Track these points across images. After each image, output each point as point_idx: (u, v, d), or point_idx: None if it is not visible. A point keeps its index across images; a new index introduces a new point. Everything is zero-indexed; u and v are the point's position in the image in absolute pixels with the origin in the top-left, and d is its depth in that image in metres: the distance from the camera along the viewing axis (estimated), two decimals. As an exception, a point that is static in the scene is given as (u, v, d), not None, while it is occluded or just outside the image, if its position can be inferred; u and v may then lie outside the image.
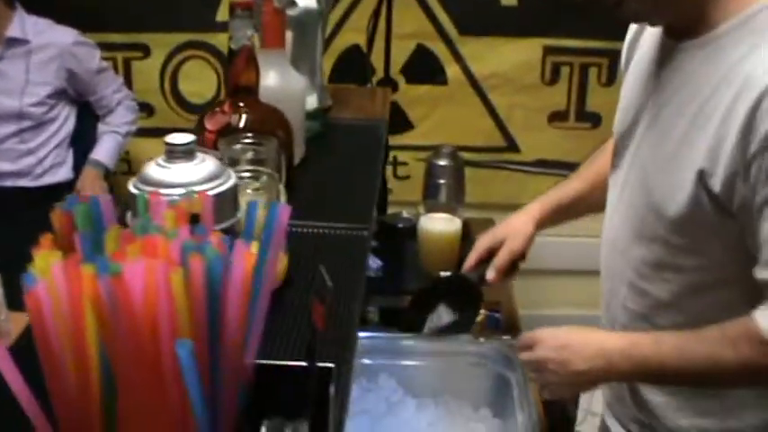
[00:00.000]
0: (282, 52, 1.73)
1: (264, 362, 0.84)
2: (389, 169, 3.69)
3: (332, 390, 0.80)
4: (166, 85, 3.63)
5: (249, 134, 1.42)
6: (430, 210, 2.26)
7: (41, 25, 3.16)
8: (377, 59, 3.34)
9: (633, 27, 1.61)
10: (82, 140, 3.34)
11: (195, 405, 0.70)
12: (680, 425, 1.53)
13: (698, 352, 1.34)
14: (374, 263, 2.26)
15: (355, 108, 2.23)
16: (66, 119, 3.27)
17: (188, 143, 0.94)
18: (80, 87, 3.24)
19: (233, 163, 1.34)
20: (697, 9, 1.33)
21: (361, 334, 2.03)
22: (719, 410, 1.50)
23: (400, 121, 3.65)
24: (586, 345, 1.45)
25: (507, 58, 3.55)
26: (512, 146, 3.71)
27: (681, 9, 1.35)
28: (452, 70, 3.59)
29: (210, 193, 0.92)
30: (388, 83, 3.46)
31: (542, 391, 1.58)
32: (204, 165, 0.96)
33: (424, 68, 3.60)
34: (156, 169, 0.94)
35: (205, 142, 1.51)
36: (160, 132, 1.18)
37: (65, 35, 3.18)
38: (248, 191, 1.25)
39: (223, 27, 3.26)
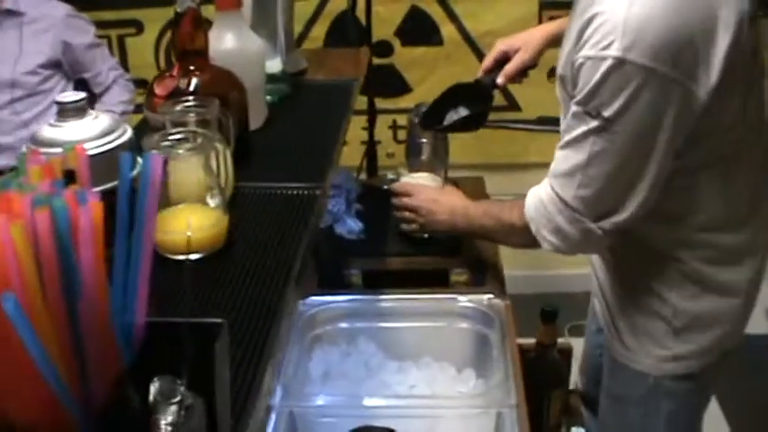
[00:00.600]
0: (238, 14, 1.70)
1: (153, 319, 0.81)
2: (390, 133, 3.66)
3: (218, 347, 0.77)
4: (161, 60, 3.61)
5: (190, 97, 1.40)
6: (412, 169, 2.22)
7: None
8: (374, 23, 3.29)
9: None
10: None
11: (39, 362, 0.68)
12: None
13: (495, 214, 1.83)
14: (356, 225, 2.23)
15: (331, 70, 2.19)
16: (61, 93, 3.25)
17: (76, 101, 0.92)
18: (75, 62, 3.21)
19: (179, 126, 1.32)
20: None
21: (339, 297, 2.02)
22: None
23: (398, 85, 3.62)
24: (446, 203, 2.01)
25: (503, 15, 3.49)
26: (513, 104, 3.66)
27: None
28: (447, 30, 3.54)
29: (95, 150, 0.89)
30: (377, 46, 3.42)
31: (406, 225, 2.15)
32: (97, 122, 0.94)
33: (418, 30, 3.56)
34: (48, 129, 0.92)
35: (154, 107, 1.49)
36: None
37: (58, 8, 3.16)
38: (180, 151, 1.22)
39: None
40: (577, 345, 2.20)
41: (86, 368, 0.73)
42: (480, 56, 3.54)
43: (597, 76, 1.43)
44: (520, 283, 2.87)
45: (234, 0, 1.68)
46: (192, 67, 1.52)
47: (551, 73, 3.52)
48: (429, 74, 3.58)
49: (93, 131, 0.92)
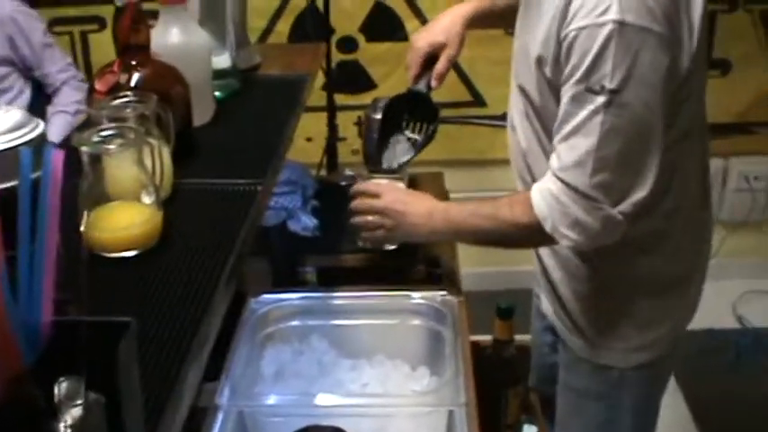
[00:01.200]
0: (183, 9, 1.67)
1: (58, 319, 0.79)
2: (355, 129, 3.63)
3: (122, 346, 0.75)
4: (125, 56, 3.57)
5: (128, 92, 1.38)
6: (372, 171, 2.14)
7: None
8: (338, 19, 3.28)
9: None
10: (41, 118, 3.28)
11: None
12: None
13: (488, 212, 1.64)
14: (310, 221, 2.21)
15: (286, 65, 2.17)
16: (19, 92, 3.21)
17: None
18: (24, 59, 3.17)
19: (117, 122, 1.30)
20: None
21: (292, 295, 2.00)
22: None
23: (363, 81, 3.60)
24: (420, 204, 1.75)
25: (467, 11, 3.47)
26: (478, 100, 3.65)
27: None
28: (412, 26, 3.52)
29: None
30: (341, 42, 3.40)
31: (368, 234, 1.84)
32: (6, 117, 0.91)
33: (383, 26, 3.54)
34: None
35: (94, 103, 1.47)
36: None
37: (3, 5, 3.11)
38: (110, 147, 1.20)
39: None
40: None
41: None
42: (445, 52, 3.52)
43: (597, 44, 1.38)
44: (479, 280, 2.86)
45: (179, -6, 1.66)
46: (133, 62, 1.50)
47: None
48: (394, 70, 3.56)
49: None
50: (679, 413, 3.14)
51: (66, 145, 1.19)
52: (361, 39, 3.55)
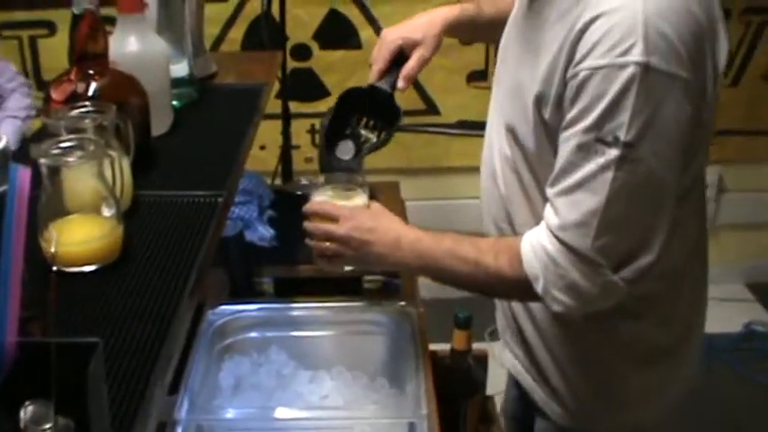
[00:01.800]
0: (141, 17, 1.65)
1: (24, 340, 0.77)
2: (308, 137, 3.62)
3: (91, 368, 0.73)
4: (75, 63, 3.52)
5: (87, 102, 1.35)
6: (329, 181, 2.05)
7: None
8: (291, 26, 3.26)
9: None
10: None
11: None
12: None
13: (467, 255, 1.44)
14: (267, 232, 2.20)
15: (242, 73, 2.15)
16: None
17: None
18: None
19: (75, 132, 1.27)
20: None
21: (249, 306, 1.98)
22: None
23: (316, 88, 3.58)
24: (388, 232, 1.54)
25: (422, 19, 3.48)
26: (432, 108, 3.66)
27: None
28: (366, 34, 3.52)
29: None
30: (295, 49, 3.38)
31: (324, 261, 1.63)
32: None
33: (337, 33, 3.53)
34: None
35: (50, 112, 1.44)
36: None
37: None
38: (70, 160, 1.17)
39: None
40: (499, 350, 2.18)
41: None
42: (399, 60, 3.52)
43: (615, 89, 1.22)
44: (437, 288, 2.85)
45: (136, 3, 1.63)
46: (90, 71, 1.47)
47: (471, 77, 3.59)
48: (347, 77, 3.55)
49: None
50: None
51: (24, 155, 1.17)
52: (314, 46, 3.54)
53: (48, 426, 0.72)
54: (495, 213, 1.63)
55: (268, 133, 3.17)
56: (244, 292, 2.08)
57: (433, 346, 1.96)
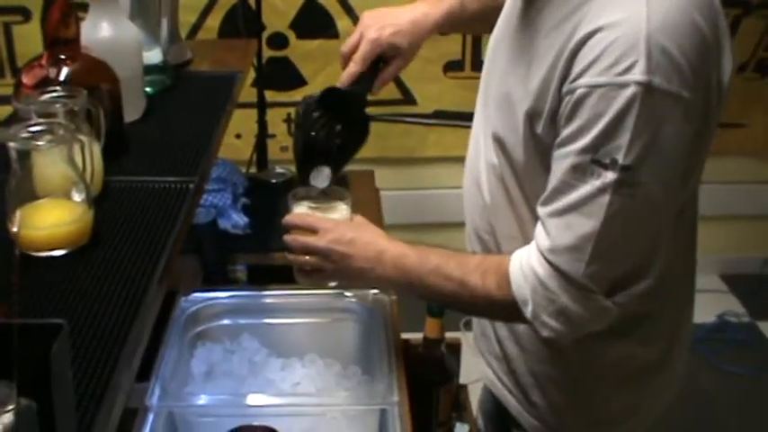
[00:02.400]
0: (114, 3, 1.65)
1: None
2: (284, 126, 3.62)
3: (55, 349, 0.73)
4: (50, 49, 3.50)
5: (58, 87, 1.35)
6: (308, 194, 1.92)
7: None
8: (268, 15, 3.26)
9: None
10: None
11: None
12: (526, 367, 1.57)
13: (452, 274, 1.38)
14: (241, 219, 2.20)
15: (217, 61, 2.15)
16: None
17: None
18: None
19: (46, 117, 1.27)
20: None
21: (222, 294, 1.98)
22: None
23: (293, 77, 3.58)
24: (368, 245, 1.47)
25: (399, 9, 3.48)
26: (408, 98, 3.66)
27: None
28: (343, 23, 3.51)
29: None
30: (271, 38, 3.38)
31: (304, 275, 1.57)
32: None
33: (314, 22, 3.52)
34: None
35: (21, 97, 1.44)
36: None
37: None
38: (39, 144, 1.17)
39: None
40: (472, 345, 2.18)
41: None
42: (376, 49, 3.52)
43: (614, 109, 1.15)
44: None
45: (109, -12, 1.63)
46: (62, 56, 1.47)
47: (448, 67, 3.59)
48: (324, 67, 3.55)
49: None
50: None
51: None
52: (291, 35, 3.54)
53: (10, 407, 0.72)
54: (477, 223, 1.58)
55: (244, 122, 3.17)
56: (217, 279, 2.09)
57: (406, 336, 1.97)
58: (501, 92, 1.43)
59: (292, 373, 1.90)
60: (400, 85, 3.62)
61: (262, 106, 2.89)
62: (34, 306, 1.07)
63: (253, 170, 2.92)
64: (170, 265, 1.20)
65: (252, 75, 2.84)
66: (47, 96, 1.32)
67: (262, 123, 2.90)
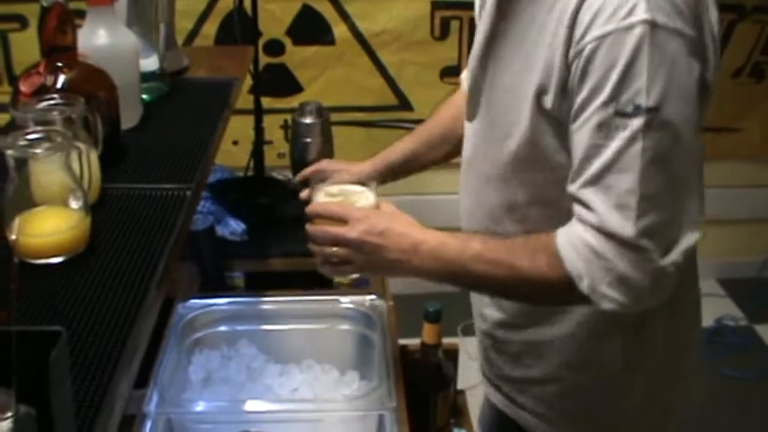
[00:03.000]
0: (111, 10, 1.65)
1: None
2: (281, 132, 3.62)
3: (53, 356, 0.74)
4: (47, 57, 3.51)
5: (55, 95, 1.35)
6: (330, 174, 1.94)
7: None
8: (265, 21, 3.26)
9: None
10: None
11: None
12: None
13: (500, 258, 1.32)
14: (238, 226, 2.20)
15: (213, 68, 2.15)
16: None
17: None
18: None
19: (43, 125, 1.27)
20: None
21: (219, 300, 1.98)
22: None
23: (289, 84, 3.58)
24: (403, 236, 1.40)
25: (395, 15, 3.48)
26: (404, 104, 3.66)
27: None
28: (339, 30, 3.52)
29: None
30: (268, 45, 3.39)
31: (331, 267, 1.50)
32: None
33: (310, 29, 3.52)
34: None
35: (19, 105, 1.44)
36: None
37: None
38: (37, 151, 1.17)
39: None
40: (471, 344, 2.18)
41: None
42: (372, 56, 3.54)
43: (626, 53, 1.15)
44: (407, 283, 2.86)
45: (105, -4, 1.64)
46: (59, 64, 1.48)
47: (444, 73, 3.59)
48: (321, 73, 3.56)
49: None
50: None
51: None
52: (288, 42, 3.54)
53: (9, 414, 0.72)
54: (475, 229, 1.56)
55: (241, 129, 3.17)
56: (214, 285, 2.09)
57: (403, 341, 1.97)
58: (498, 96, 1.43)
59: (290, 379, 1.90)
60: (396, 91, 3.62)
61: (258, 113, 2.89)
62: (32, 313, 1.08)
63: (250, 176, 2.92)
64: (168, 271, 1.20)
65: (248, 81, 2.85)
66: (44, 104, 1.32)
67: (258, 130, 2.89)
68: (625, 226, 1.20)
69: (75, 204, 1.21)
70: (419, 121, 3.61)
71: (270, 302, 1.99)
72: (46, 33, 1.48)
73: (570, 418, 1.59)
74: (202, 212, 2.17)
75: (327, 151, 2.25)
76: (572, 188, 1.27)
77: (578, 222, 1.26)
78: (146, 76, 1.77)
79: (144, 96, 1.77)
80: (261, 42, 3.27)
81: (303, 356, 1.94)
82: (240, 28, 2.98)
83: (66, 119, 1.29)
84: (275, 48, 3.54)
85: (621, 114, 1.17)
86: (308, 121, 2.28)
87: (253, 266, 2.15)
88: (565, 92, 1.25)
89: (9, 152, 1.15)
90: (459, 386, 2.19)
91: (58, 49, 1.48)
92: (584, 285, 1.25)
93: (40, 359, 0.74)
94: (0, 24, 3.47)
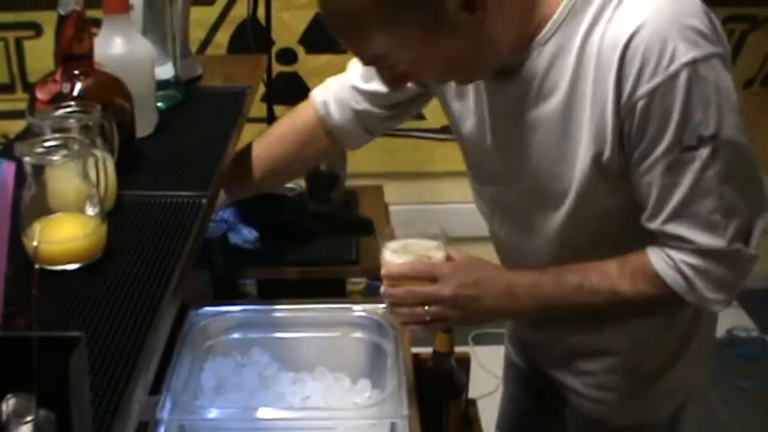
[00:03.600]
0: (126, 18, 1.66)
1: (5, 334, 0.77)
2: (293, 142, 3.62)
3: (73, 361, 0.74)
4: (61, 65, 3.52)
5: (72, 102, 1.36)
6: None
7: None
8: (278, 30, 3.27)
9: None
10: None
11: None
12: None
13: (599, 288, 1.38)
14: (251, 234, 2.21)
15: (227, 76, 2.15)
16: None
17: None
18: None
19: (60, 132, 1.28)
20: (521, 32, 1.32)
21: (232, 307, 1.99)
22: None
23: (302, 93, 3.57)
24: (496, 281, 1.43)
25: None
26: (416, 113, 3.66)
27: (505, 50, 1.33)
28: (352, 38, 3.52)
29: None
30: (281, 53, 3.40)
31: (424, 327, 1.46)
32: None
33: (323, 38, 3.53)
34: None
35: (35, 112, 1.45)
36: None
37: None
38: (55, 158, 1.18)
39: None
40: (482, 354, 2.19)
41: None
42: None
43: (679, 98, 1.21)
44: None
45: (121, 3, 1.64)
46: (75, 72, 1.48)
47: (455, 82, 3.58)
48: (333, 82, 3.56)
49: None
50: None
51: (9, 154, 1.17)
52: (300, 51, 3.55)
53: (29, 418, 0.73)
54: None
55: (254, 137, 3.17)
56: (227, 293, 2.09)
57: (416, 350, 1.97)
58: (535, 183, 1.43)
59: (302, 386, 1.91)
60: (408, 100, 3.63)
61: (271, 121, 2.90)
62: (50, 319, 1.08)
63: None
64: (183, 278, 1.21)
65: (261, 90, 2.86)
66: (61, 111, 1.33)
67: (270, 139, 2.90)
68: (717, 240, 1.30)
69: (91, 211, 1.22)
70: (431, 130, 3.67)
71: (282, 310, 2.00)
72: (63, 41, 1.49)
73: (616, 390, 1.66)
74: (215, 220, 2.18)
75: (341, 159, 2.25)
76: (653, 225, 1.34)
77: (670, 249, 1.34)
78: (161, 84, 1.78)
79: (159, 104, 1.77)
80: (274, 51, 3.29)
81: (315, 364, 1.94)
82: (253, 36, 2.99)
83: (83, 126, 1.30)
84: (288, 56, 3.55)
85: (687, 149, 1.24)
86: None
87: (265, 274, 2.15)
88: (621, 142, 1.29)
89: (26, 159, 1.16)
90: (471, 395, 2.19)
91: (75, 57, 1.49)
92: (692, 298, 1.35)
93: (60, 365, 0.74)
94: (15, 32, 3.48)
